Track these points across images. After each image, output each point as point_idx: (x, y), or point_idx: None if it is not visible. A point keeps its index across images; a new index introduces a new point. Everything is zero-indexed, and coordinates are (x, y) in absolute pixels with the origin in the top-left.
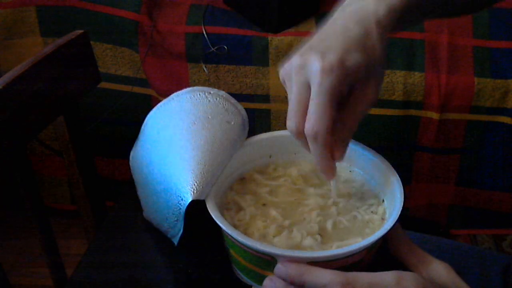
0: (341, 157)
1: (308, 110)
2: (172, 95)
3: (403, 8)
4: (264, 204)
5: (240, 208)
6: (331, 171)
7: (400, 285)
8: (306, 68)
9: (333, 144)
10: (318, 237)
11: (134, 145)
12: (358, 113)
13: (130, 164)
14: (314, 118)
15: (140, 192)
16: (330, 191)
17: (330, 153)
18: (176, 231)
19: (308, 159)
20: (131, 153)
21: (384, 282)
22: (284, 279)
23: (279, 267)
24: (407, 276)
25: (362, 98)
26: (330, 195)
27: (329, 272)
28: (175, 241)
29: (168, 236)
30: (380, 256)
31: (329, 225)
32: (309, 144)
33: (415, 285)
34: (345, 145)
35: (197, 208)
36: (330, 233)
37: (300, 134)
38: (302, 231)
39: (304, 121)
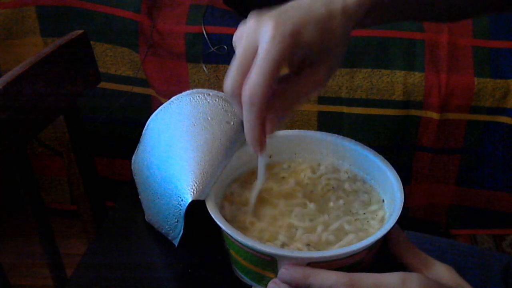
0: (271, 131)
1: (249, 73)
2: (172, 98)
3: (373, 3)
4: (264, 205)
5: (240, 208)
6: (259, 143)
7: (405, 286)
8: (257, 32)
9: (268, 118)
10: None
11: (136, 149)
12: (302, 93)
13: (132, 168)
14: (253, 82)
15: (142, 195)
16: (331, 192)
17: (262, 124)
18: (177, 232)
19: (308, 159)
20: (133, 157)
21: (389, 283)
22: (289, 283)
23: (283, 271)
24: (412, 277)
25: (309, 78)
26: (257, 175)
27: (334, 273)
28: (176, 242)
29: (169, 238)
30: (381, 257)
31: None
32: (243, 108)
33: (420, 286)
34: (279, 122)
35: (197, 208)
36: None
37: (235, 95)
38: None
39: (242, 83)
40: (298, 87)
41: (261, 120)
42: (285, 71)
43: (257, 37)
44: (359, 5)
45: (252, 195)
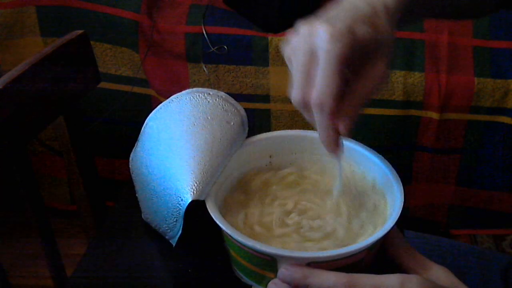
0: (346, 130)
1: (315, 79)
2: (172, 97)
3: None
4: (264, 205)
5: (239, 208)
6: (335, 145)
7: None
8: (313, 35)
9: (340, 120)
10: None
11: (134, 147)
12: (368, 89)
13: (130, 165)
14: (321, 86)
15: (140, 194)
16: (331, 192)
17: (335, 127)
18: (175, 232)
19: (308, 159)
20: (131, 155)
21: (388, 284)
22: (288, 283)
23: (283, 271)
24: (411, 279)
25: (371, 73)
26: (337, 180)
27: (333, 274)
28: (173, 242)
29: (166, 237)
30: (380, 260)
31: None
32: (315, 114)
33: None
34: (351, 121)
35: (196, 208)
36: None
37: (305, 104)
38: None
39: (310, 91)
40: (363, 84)
41: (334, 122)
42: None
43: (314, 42)
44: (397, 2)
45: (334, 194)
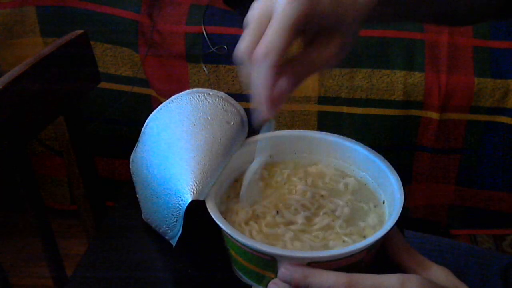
0: (280, 97)
1: (264, 34)
2: (172, 97)
3: None
4: (264, 205)
5: (239, 208)
6: (268, 104)
7: None
8: (273, 1)
9: (279, 82)
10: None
11: (135, 148)
12: (313, 63)
13: (130, 166)
14: (268, 39)
15: (140, 194)
16: (332, 192)
17: (272, 85)
18: (175, 232)
19: (308, 159)
20: (131, 156)
21: (388, 284)
22: (288, 283)
23: (283, 271)
24: (411, 279)
25: (322, 50)
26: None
27: (333, 274)
28: (173, 242)
29: (166, 237)
30: (380, 260)
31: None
32: (255, 65)
33: (419, 287)
34: (288, 90)
35: (197, 208)
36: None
37: (249, 55)
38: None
39: (255, 46)
40: (310, 57)
41: (272, 79)
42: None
43: (272, 5)
44: None
45: (247, 175)
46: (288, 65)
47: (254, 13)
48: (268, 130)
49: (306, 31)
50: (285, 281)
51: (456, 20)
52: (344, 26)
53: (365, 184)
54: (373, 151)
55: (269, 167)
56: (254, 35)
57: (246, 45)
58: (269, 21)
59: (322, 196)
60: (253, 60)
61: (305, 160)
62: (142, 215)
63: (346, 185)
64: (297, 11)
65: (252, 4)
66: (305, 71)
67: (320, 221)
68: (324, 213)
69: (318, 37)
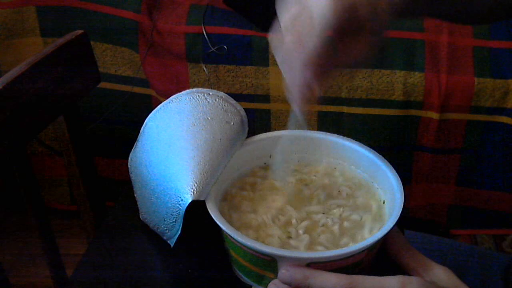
0: (322, 89)
1: (302, 35)
2: (171, 97)
3: None
4: (264, 205)
5: (239, 208)
6: (307, 102)
7: None
8: (314, 5)
9: (318, 79)
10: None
11: (133, 147)
12: (338, 62)
13: (129, 165)
14: (307, 43)
15: (138, 194)
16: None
17: (313, 83)
18: (174, 232)
19: (308, 159)
20: (130, 155)
21: (389, 286)
22: (288, 284)
23: (283, 272)
24: (412, 281)
25: (350, 47)
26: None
27: (334, 275)
28: (171, 242)
29: (164, 238)
30: (380, 259)
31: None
32: (297, 70)
33: None
34: (327, 83)
35: (196, 208)
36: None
37: (288, 57)
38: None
39: (298, 49)
40: (340, 54)
41: (310, 71)
42: None
43: (308, 8)
44: None
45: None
46: (317, 62)
47: (290, 17)
48: (299, 127)
49: (342, 29)
50: (285, 283)
51: (476, 19)
52: (377, 24)
53: (365, 184)
54: (373, 151)
55: (268, 167)
56: (295, 39)
57: (289, 47)
58: (307, 22)
59: (322, 196)
60: (296, 63)
61: (305, 160)
62: (140, 215)
63: (346, 185)
64: (338, 21)
65: (281, 4)
66: (333, 69)
67: (320, 221)
68: (323, 213)
69: (348, 34)
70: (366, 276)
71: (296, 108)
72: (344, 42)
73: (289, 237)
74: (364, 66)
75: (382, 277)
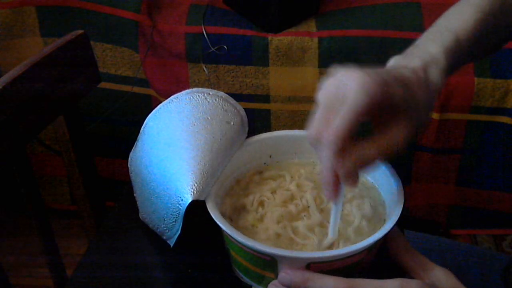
0: (347, 177)
1: (334, 118)
2: (171, 97)
3: (449, 66)
4: (264, 205)
5: (240, 208)
6: (333, 188)
7: None
8: (345, 82)
9: (344, 165)
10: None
11: (133, 147)
12: (380, 144)
13: (129, 165)
14: (338, 125)
15: (138, 194)
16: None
17: (338, 169)
18: (173, 232)
19: (308, 159)
20: (130, 155)
21: None
22: (288, 286)
23: (283, 275)
24: (411, 284)
25: (390, 132)
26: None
27: (333, 278)
28: (171, 242)
29: (164, 238)
30: (380, 260)
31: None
32: (323, 152)
33: None
34: (355, 171)
35: (197, 208)
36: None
37: (317, 141)
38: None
39: (326, 129)
40: (378, 139)
41: (336, 163)
42: None
43: (344, 87)
44: (441, 76)
45: (329, 237)
46: (356, 147)
47: (325, 94)
48: (337, 211)
49: (377, 114)
50: (284, 285)
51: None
52: (414, 111)
53: (365, 184)
54: None
55: (269, 167)
56: (323, 120)
57: (316, 127)
58: (340, 104)
59: (322, 196)
60: (321, 144)
61: (305, 160)
62: (139, 215)
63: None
64: (369, 98)
65: (322, 82)
66: (373, 155)
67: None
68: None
69: (387, 120)
70: (366, 280)
71: (326, 190)
72: (379, 126)
73: (290, 238)
74: (401, 152)
75: (381, 280)
